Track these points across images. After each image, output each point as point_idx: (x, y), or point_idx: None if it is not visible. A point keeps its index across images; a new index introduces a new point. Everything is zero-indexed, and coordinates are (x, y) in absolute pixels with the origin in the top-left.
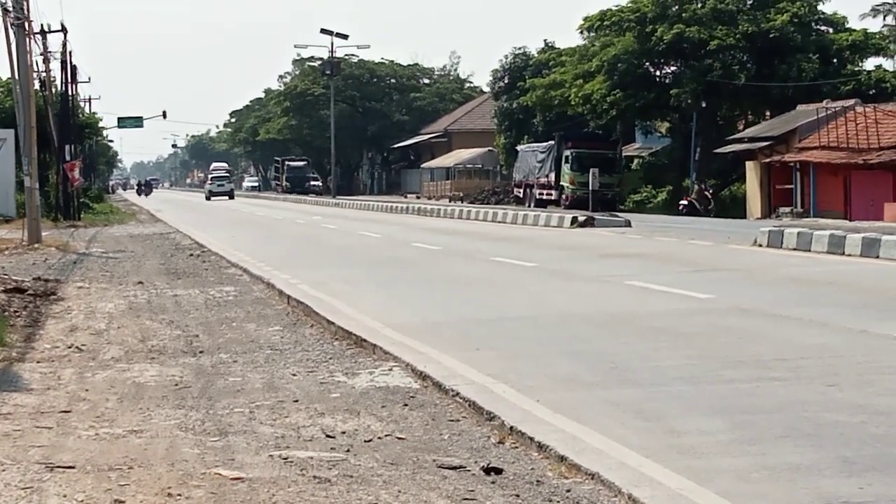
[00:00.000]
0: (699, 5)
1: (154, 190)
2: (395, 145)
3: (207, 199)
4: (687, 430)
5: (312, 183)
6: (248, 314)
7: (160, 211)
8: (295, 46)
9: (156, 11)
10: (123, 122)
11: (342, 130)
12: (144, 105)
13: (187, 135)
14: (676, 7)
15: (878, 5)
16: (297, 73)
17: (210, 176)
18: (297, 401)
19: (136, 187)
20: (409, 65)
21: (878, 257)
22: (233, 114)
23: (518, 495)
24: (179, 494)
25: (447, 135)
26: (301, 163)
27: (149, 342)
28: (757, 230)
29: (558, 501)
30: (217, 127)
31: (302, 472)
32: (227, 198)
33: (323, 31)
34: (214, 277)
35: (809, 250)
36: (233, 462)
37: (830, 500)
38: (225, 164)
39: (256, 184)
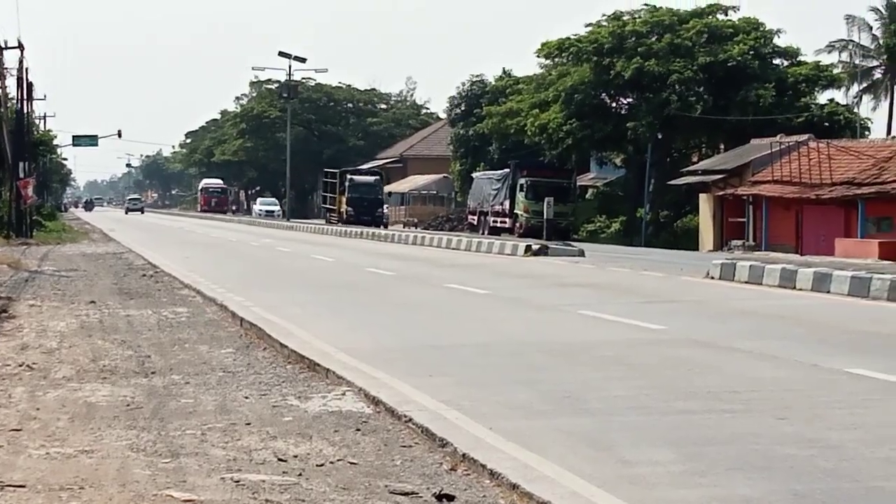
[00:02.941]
0: (655, 39)
1: (96, 207)
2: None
3: (126, 213)
4: (639, 460)
5: (383, 209)
6: (201, 336)
7: (113, 230)
8: (252, 69)
9: (113, 31)
10: (78, 141)
11: (298, 154)
12: (100, 124)
13: (142, 154)
14: (633, 39)
15: (833, 41)
16: (254, 95)
17: (127, 197)
18: (249, 423)
19: (83, 205)
20: (367, 90)
21: (828, 292)
22: (188, 134)
23: None
24: None
25: (403, 160)
26: (371, 178)
27: (101, 362)
28: (709, 262)
29: None
30: (172, 147)
31: (254, 495)
32: (140, 213)
33: (281, 53)
34: (167, 298)
35: (761, 283)
36: (184, 484)
37: None
38: (220, 181)
39: (274, 208)
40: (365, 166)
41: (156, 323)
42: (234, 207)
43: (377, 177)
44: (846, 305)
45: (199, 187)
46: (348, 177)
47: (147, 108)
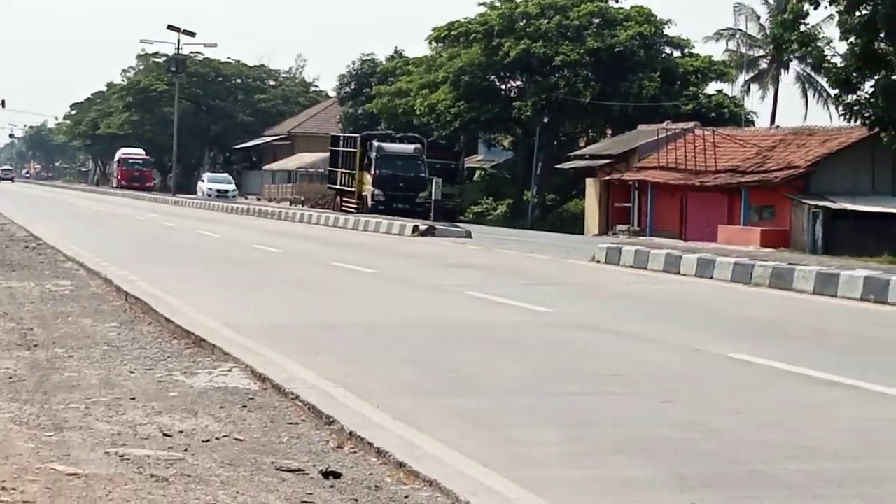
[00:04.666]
0: (546, 21)
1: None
2: (238, 146)
3: None
4: (525, 440)
5: (429, 193)
6: (85, 309)
7: None
8: (140, 41)
9: None
10: None
11: (185, 128)
12: None
13: (25, 125)
14: (524, 22)
15: (721, 30)
16: (141, 68)
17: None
18: (134, 398)
19: None
20: (256, 66)
21: (712, 278)
22: (73, 106)
23: (356, 500)
24: (14, 489)
25: (291, 138)
26: (410, 148)
27: None
28: (595, 246)
29: None
30: (57, 119)
31: (139, 470)
32: (10, 182)
33: (170, 27)
34: (50, 271)
35: (646, 268)
36: (68, 458)
37: None
38: (142, 151)
39: (228, 187)
40: (252, 143)
41: (38, 296)
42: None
43: (418, 145)
44: (729, 291)
45: (116, 158)
46: (375, 144)
47: (32, 79)
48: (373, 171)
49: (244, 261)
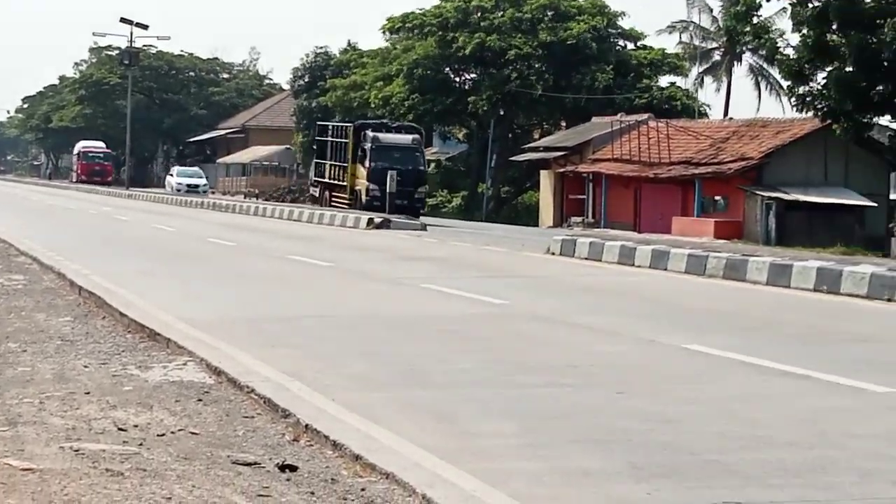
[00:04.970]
0: (500, 14)
1: None
2: (192, 139)
3: None
4: (481, 432)
5: (425, 189)
6: (38, 304)
7: None
8: (93, 34)
9: None
10: None
11: (138, 122)
12: None
13: None
14: (478, 14)
15: (674, 22)
16: (93, 61)
17: None
18: (88, 393)
19: None
20: (209, 58)
21: (666, 269)
22: (25, 99)
23: (313, 493)
24: None
25: (245, 131)
26: (408, 138)
27: None
28: (550, 239)
29: (353, 500)
30: (8, 112)
31: (94, 464)
32: None
33: (123, 20)
34: (2, 265)
35: (601, 260)
36: (22, 453)
37: None
38: (102, 144)
39: (199, 182)
40: (205, 136)
41: None
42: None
43: (416, 135)
44: (683, 283)
45: (75, 152)
46: (370, 135)
47: None
48: (367, 164)
49: (199, 254)
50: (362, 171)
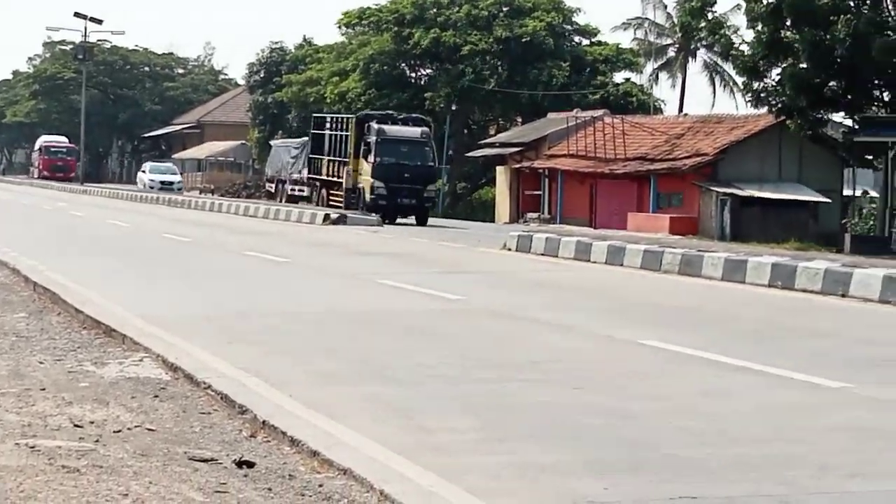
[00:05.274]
0: (456, 9)
1: None
2: (147, 134)
3: None
4: (439, 427)
5: (435, 189)
6: None
7: None
8: (47, 28)
9: None
10: None
11: (92, 117)
12: None
13: None
14: (434, 10)
15: (629, 19)
16: (47, 55)
17: None
18: (44, 389)
19: None
20: (164, 53)
21: (622, 265)
22: None
23: (270, 489)
24: None
25: (200, 126)
26: (416, 131)
27: None
28: (506, 234)
29: (310, 496)
30: None
31: (50, 461)
32: None
33: (77, 14)
34: None
35: (557, 256)
36: None
37: (577, 499)
38: (65, 139)
39: (174, 179)
40: (160, 131)
41: None
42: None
43: (425, 128)
44: (639, 278)
45: (37, 146)
46: (375, 127)
47: None
48: (372, 159)
49: (155, 250)
50: (366, 167)
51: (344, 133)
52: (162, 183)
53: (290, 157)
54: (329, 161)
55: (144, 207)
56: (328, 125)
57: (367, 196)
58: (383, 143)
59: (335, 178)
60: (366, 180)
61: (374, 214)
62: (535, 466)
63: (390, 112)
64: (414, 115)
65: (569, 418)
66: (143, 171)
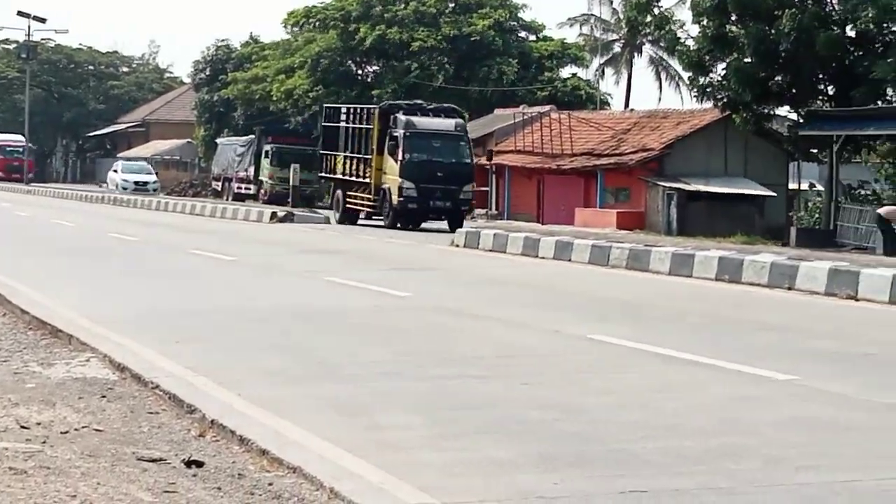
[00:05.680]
0: (402, 6)
1: None
2: (91, 133)
3: None
4: (390, 425)
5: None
6: None
7: None
8: None
9: None
10: None
11: (36, 116)
12: None
13: None
14: (380, 7)
15: (574, 16)
16: None
17: None
18: None
19: None
20: (108, 52)
21: (570, 260)
22: None
23: (220, 488)
24: None
25: (145, 125)
26: (451, 123)
27: None
28: (454, 231)
29: (260, 495)
30: None
31: None
32: None
33: (20, 13)
34: None
35: (505, 252)
36: None
37: (527, 494)
38: (20, 137)
39: (149, 179)
40: (105, 130)
41: None
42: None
43: (459, 119)
44: (587, 273)
45: None
46: (402, 119)
47: None
48: (400, 157)
49: (102, 250)
50: (392, 165)
51: (365, 126)
52: (136, 183)
53: (237, 155)
54: (347, 158)
55: (89, 207)
56: (344, 117)
57: (395, 198)
58: (412, 137)
59: (355, 178)
60: (392, 180)
61: (321, 212)
62: (485, 462)
63: (419, 102)
64: (445, 104)
65: (518, 414)
66: (115, 171)
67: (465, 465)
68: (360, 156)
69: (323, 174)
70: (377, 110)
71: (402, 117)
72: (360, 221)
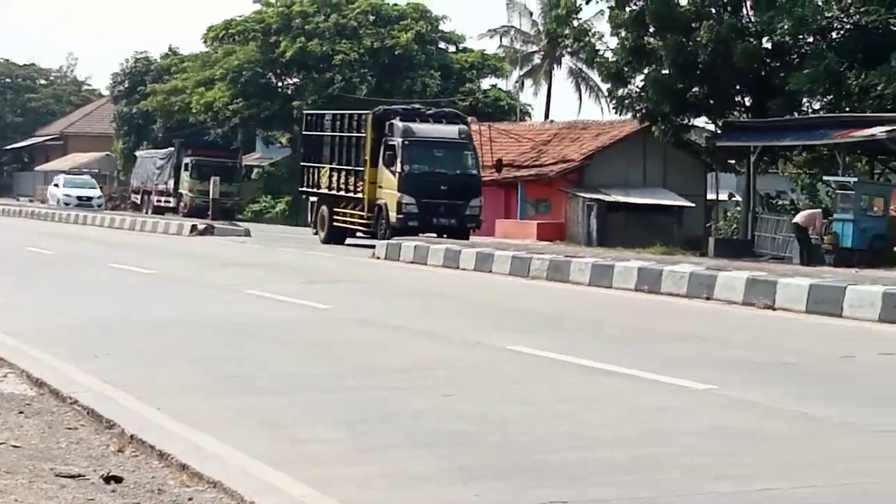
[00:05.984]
0: (323, 19)
1: None
2: (8, 147)
3: None
4: (309, 438)
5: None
6: None
7: None
8: None
9: None
10: None
11: None
12: None
13: None
14: (300, 20)
15: (494, 28)
16: None
17: None
18: None
19: None
20: (25, 65)
21: (491, 272)
22: None
23: None
24: None
25: (63, 138)
26: (454, 130)
27: None
28: (375, 243)
29: None
30: None
31: None
32: None
33: None
34: None
35: (426, 263)
36: None
37: None
38: None
39: (92, 194)
40: (22, 144)
41: None
42: None
43: (462, 125)
44: (508, 284)
45: None
46: (399, 125)
47: None
48: (398, 168)
49: (18, 264)
50: (389, 178)
51: (356, 135)
52: (79, 199)
53: (156, 167)
54: (334, 171)
55: (6, 221)
56: (328, 124)
57: (392, 215)
58: (412, 146)
59: (343, 193)
60: (389, 194)
61: (241, 225)
62: (406, 475)
63: (416, 106)
64: (446, 109)
65: (439, 426)
66: (56, 186)
67: (385, 478)
68: (351, 168)
69: (303, 188)
70: (370, 117)
71: (399, 124)
72: (349, 241)
